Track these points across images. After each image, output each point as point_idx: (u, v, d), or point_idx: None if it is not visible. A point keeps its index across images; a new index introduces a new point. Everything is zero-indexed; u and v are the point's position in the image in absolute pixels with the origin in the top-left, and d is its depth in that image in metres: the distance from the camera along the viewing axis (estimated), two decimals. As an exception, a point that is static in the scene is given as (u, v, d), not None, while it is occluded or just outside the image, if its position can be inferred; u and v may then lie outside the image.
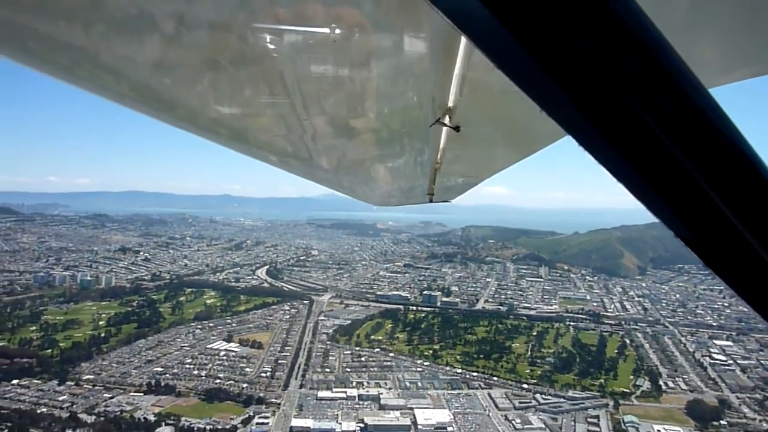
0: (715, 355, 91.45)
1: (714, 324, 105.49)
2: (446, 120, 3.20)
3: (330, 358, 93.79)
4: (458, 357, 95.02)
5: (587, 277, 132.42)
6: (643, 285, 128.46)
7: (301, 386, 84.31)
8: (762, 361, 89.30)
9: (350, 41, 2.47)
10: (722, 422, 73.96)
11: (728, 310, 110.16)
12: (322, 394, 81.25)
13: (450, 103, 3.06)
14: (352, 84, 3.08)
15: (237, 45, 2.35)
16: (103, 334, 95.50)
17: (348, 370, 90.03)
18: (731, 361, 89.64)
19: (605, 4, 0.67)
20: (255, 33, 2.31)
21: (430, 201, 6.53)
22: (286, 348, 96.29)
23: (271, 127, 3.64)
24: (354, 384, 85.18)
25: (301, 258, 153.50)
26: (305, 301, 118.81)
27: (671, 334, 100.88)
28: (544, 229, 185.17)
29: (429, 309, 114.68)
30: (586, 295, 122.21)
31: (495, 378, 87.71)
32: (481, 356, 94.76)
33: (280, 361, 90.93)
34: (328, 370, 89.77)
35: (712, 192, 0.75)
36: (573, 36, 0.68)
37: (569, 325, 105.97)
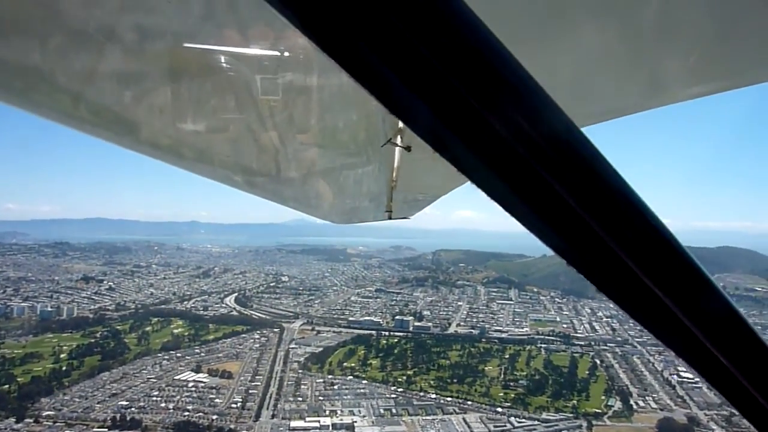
0: (682, 374, 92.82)
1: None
2: (398, 140, 3.26)
3: (302, 386, 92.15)
4: (432, 382, 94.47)
5: (556, 299, 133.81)
6: (611, 306, 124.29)
7: (273, 416, 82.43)
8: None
9: (304, 62, 2.54)
10: (692, 440, 75.11)
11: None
12: (294, 423, 79.63)
13: (400, 124, 3.11)
14: (307, 104, 3.12)
15: (192, 66, 2.37)
16: (64, 368, 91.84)
17: (321, 398, 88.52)
18: (698, 379, 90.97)
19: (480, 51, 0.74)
20: (209, 54, 2.32)
21: (389, 218, 6.67)
22: (257, 377, 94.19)
23: (229, 148, 3.66)
24: (327, 413, 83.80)
25: (271, 284, 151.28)
26: (276, 329, 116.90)
27: (639, 354, 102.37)
28: (513, 252, 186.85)
29: (401, 334, 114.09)
30: (556, 316, 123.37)
31: (469, 402, 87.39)
32: (455, 381, 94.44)
33: (250, 391, 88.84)
34: (300, 399, 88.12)
35: (594, 224, 0.85)
36: (457, 87, 0.74)
37: (540, 347, 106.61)
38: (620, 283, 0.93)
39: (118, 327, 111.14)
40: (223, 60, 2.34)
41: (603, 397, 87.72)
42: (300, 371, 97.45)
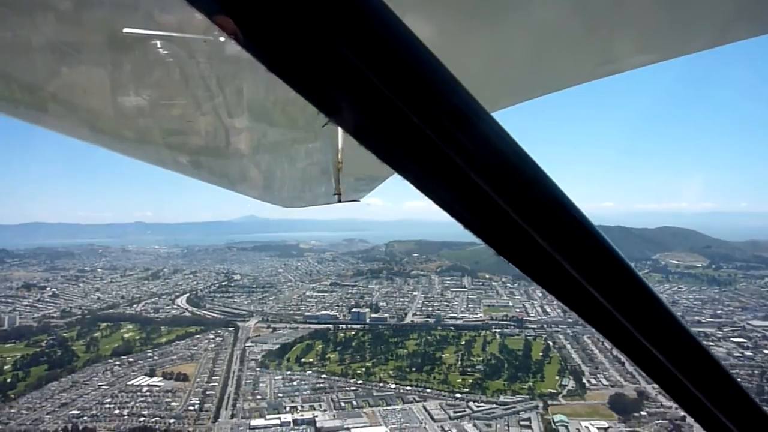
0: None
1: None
2: None
3: (260, 384, 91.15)
4: (391, 372, 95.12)
5: (508, 285, 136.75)
6: None
7: (233, 416, 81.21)
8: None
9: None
10: (642, 413, 78.43)
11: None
12: (255, 422, 78.65)
13: None
14: (248, 81, 3.10)
15: (130, 43, 2.35)
16: (9, 380, 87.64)
17: (280, 395, 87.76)
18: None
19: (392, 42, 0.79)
20: (147, 34, 2.31)
21: (339, 201, 6.71)
22: (214, 378, 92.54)
23: (171, 128, 3.61)
24: (288, 409, 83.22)
25: (223, 283, 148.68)
26: (230, 328, 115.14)
27: (590, 333, 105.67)
28: (464, 240, 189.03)
29: (359, 326, 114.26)
30: (509, 301, 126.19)
31: (429, 390, 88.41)
32: (414, 369, 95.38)
33: (208, 393, 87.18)
34: (259, 397, 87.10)
35: (513, 214, 0.91)
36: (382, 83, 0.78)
37: (495, 332, 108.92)
38: (542, 267, 0.99)
39: (65, 334, 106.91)
40: (161, 39, 2.31)
41: (557, 378, 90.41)
42: (258, 369, 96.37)
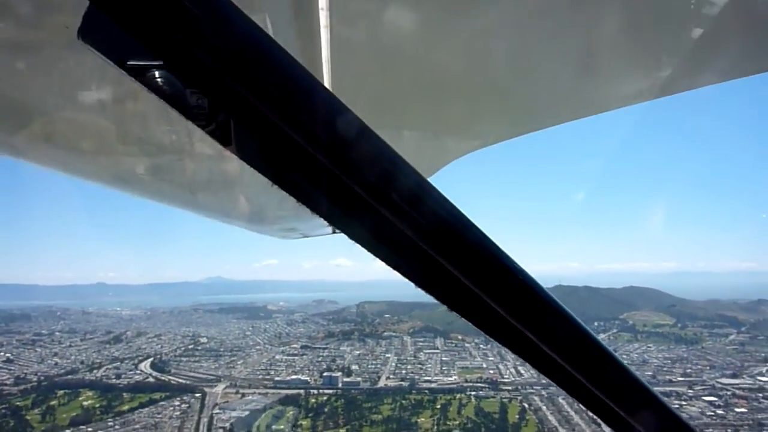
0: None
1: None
2: None
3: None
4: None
5: (481, 346, 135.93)
6: None
7: (200, 489, 77.06)
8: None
9: None
10: (622, 476, 77.43)
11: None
12: (224, 495, 74.71)
13: None
14: None
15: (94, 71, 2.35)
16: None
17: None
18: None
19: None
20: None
21: (333, 232, 6.58)
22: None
23: (156, 161, 3.56)
24: (257, 482, 79.46)
25: (189, 347, 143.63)
26: (197, 394, 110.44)
27: (564, 395, 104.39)
28: (434, 301, 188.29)
29: (331, 391, 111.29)
30: (482, 363, 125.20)
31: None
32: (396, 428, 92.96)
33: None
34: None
35: (453, 269, 1.06)
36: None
37: (470, 394, 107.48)
38: (482, 315, 1.11)
39: (19, 403, 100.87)
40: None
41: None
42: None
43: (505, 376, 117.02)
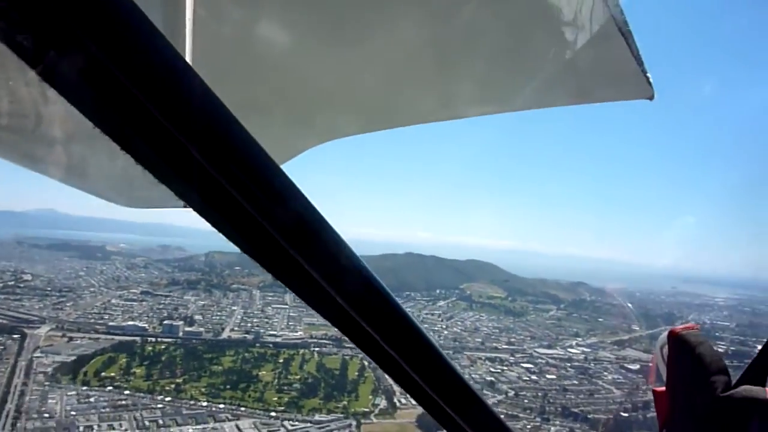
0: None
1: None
2: None
3: (49, 401, 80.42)
4: (203, 390, 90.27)
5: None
6: None
7: (11, 437, 70.71)
8: (472, 375, 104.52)
9: None
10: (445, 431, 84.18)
11: (446, 332, 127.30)
12: (39, 444, 69.32)
13: None
14: None
15: None
16: None
17: (73, 413, 78.34)
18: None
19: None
20: None
21: (185, 206, 6.36)
22: (-11, 392, 79.76)
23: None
24: (81, 429, 74.57)
25: (9, 284, 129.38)
26: (15, 335, 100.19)
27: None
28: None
29: (170, 340, 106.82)
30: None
31: (243, 408, 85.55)
32: (228, 387, 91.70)
33: (-20, 410, 74.86)
34: (47, 415, 76.83)
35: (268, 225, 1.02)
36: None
37: (314, 350, 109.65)
38: (311, 290, 1.07)
39: None
40: None
41: (370, 397, 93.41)
42: (47, 384, 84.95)
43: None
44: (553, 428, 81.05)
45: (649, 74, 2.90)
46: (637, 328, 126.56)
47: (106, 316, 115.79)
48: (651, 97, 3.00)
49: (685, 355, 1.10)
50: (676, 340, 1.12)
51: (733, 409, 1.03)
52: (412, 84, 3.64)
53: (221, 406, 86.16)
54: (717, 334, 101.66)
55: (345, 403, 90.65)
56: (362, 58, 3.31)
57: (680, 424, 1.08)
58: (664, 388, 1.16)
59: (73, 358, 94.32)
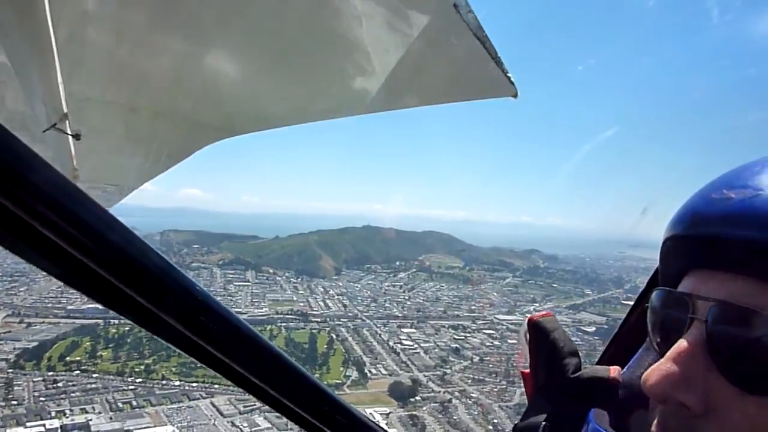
0: (404, 342, 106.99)
1: (399, 315, 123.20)
2: (65, 126, 2.93)
3: (15, 388, 78.81)
4: (174, 369, 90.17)
5: (291, 279, 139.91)
6: (340, 284, 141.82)
7: (-19, 427, 69.05)
8: (437, 343, 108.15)
9: None
10: (417, 398, 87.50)
11: (409, 302, 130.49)
12: (12, 431, 68.06)
13: (65, 108, 2.86)
14: None
15: None
16: None
17: (42, 399, 77.12)
18: (416, 346, 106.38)
19: None
20: None
21: None
22: (-49, 383, 77.38)
23: None
24: (53, 414, 73.49)
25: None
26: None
27: (368, 327, 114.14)
28: (246, 233, 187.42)
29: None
30: (293, 296, 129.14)
31: (216, 386, 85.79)
32: (199, 365, 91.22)
33: (-59, 401, 72.69)
34: (15, 402, 75.41)
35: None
36: None
37: (281, 326, 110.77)
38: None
39: None
40: None
41: (342, 368, 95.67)
42: (10, 371, 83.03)
43: (314, 309, 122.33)
44: (518, 390, 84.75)
45: (510, 74, 3.07)
46: (590, 293, 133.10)
47: (64, 300, 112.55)
48: (515, 95, 3.20)
49: (542, 340, 1.21)
50: (533, 326, 1.24)
51: (580, 388, 1.14)
52: (282, 87, 3.88)
53: (194, 384, 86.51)
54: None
55: (317, 375, 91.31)
56: (243, 63, 3.57)
57: (540, 402, 1.20)
58: (528, 370, 1.29)
59: (34, 344, 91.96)
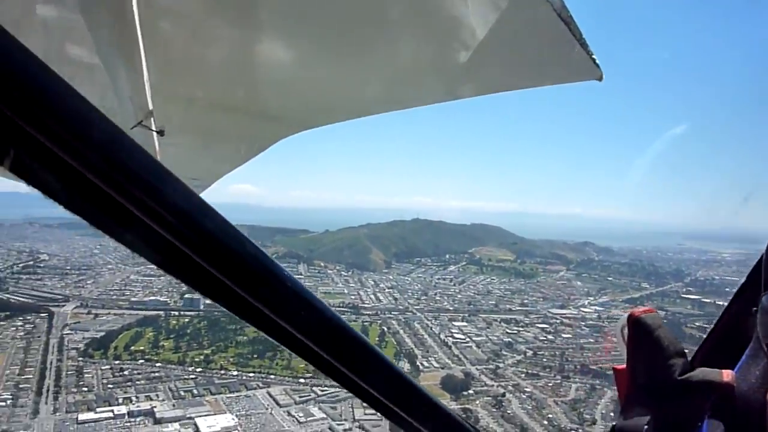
0: (455, 335, 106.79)
1: (450, 308, 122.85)
2: (150, 123, 3.12)
3: (86, 375, 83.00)
4: (232, 359, 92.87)
5: (342, 272, 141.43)
6: (390, 277, 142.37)
7: (55, 411, 73.20)
8: (489, 337, 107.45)
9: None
10: (470, 391, 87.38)
11: (459, 296, 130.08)
12: (83, 416, 71.68)
13: (150, 106, 3.03)
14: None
15: None
16: None
17: (110, 386, 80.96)
18: (468, 339, 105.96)
19: None
20: None
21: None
22: (27, 370, 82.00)
23: None
24: (121, 401, 77.14)
25: (29, 264, 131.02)
26: (43, 314, 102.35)
27: (419, 320, 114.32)
28: (297, 228, 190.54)
29: (192, 313, 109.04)
30: (344, 289, 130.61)
31: (272, 376, 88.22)
32: (255, 356, 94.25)
33: (21, 386, 77.18)
34: (86, 389, 79.40)
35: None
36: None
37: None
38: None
39: None
40: None
41: (393, 361, 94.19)
42: (80, 359, 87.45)
43: (366, 302, 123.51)
44: (573, 385, 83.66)
45: (594, 56, 3.02)
46: (647, 286, 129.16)
47: (128, 292, 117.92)
48: (600, 78, 3.15)
49: (644, 338, 1.15)
50: (635, 322, 1.17)
51: (691, 392, 1.07)
52: (359, 77, 3.92)
53: (251, 374, 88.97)
54: (727, 289, 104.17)
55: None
56: (319, 56, 3.62)
57: (640, 403, 1.14)
58: (624, 366, 1.23)
59: (101, 333, 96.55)
